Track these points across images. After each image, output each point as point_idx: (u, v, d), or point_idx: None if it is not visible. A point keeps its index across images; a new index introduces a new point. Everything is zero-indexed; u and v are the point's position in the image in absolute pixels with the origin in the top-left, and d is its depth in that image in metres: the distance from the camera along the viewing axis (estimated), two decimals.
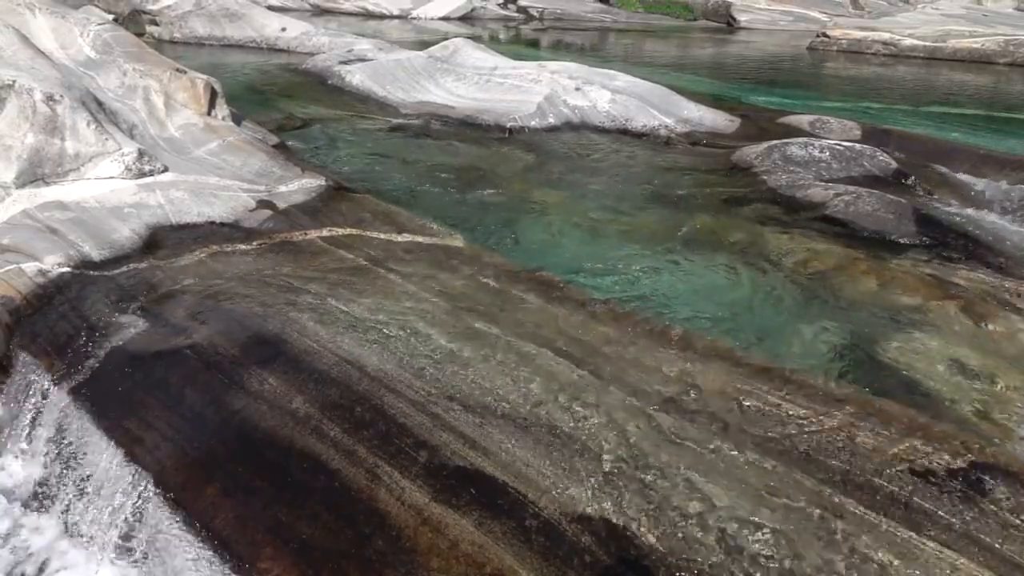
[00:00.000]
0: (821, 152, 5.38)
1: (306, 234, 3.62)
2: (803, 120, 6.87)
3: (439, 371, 2.52)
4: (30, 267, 3.11)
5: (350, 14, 17.15)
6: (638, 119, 6.68)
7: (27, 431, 2.61)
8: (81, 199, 3.67)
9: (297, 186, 4.25)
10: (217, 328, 2.73)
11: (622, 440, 2.23)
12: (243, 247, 3.43)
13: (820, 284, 3.66)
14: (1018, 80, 12.06)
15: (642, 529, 1.95)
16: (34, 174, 3.73)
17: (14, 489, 2.56)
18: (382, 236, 3.66)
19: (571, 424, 2.29)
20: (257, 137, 5.09)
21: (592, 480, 2.09)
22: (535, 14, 19.47)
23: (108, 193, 3.76)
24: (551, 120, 6.64)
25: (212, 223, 3.70)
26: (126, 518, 2.24)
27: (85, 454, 2.44)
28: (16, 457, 2.61)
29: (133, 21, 10.80)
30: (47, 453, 2.53)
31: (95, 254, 3.27)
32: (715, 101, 7.81)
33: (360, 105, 7.14)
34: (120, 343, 2.71)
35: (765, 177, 5.14)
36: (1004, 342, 3.15)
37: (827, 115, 7.00)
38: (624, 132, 6.58)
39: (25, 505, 2.51)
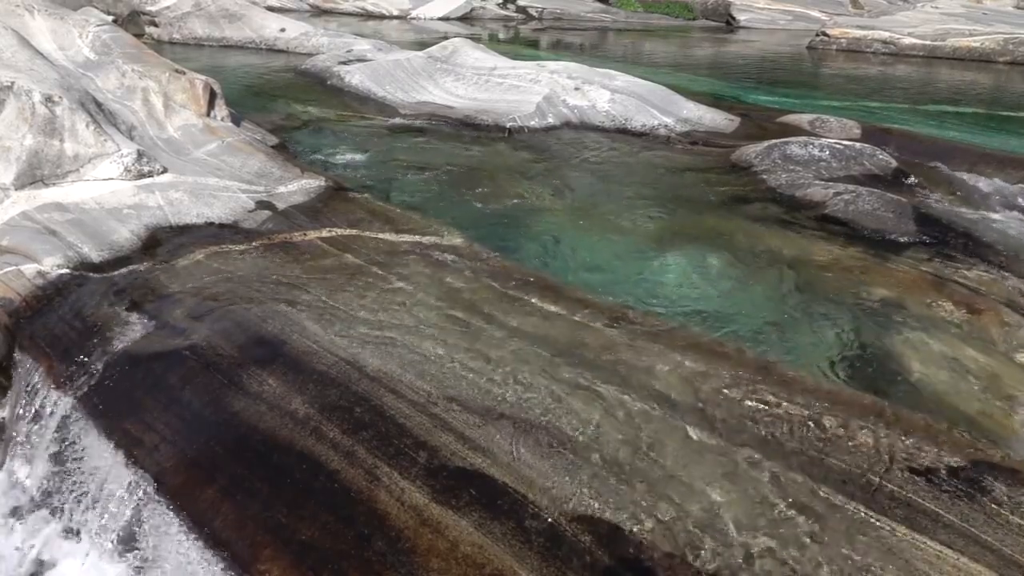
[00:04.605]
0: (821, 151, 5.37)
1: (305, 235, 3.61)
2: (803, 119, 6.86)
3: (439, 371, 2.52)
4: (29, 269, 3.11)
5: (349, 14, 17.14)
6: (637, 119, 6.68)
7: (28, 433, 2.61)
8: (80, 200, 3.67)
9: (296, 187, 4.25)
10: (216, 329, 2.73)
11: (623, 440, 2.23)
12: (242, 248, 3.43)
13: (820, 283, 3.65)
14: (1018, 79, 12.05)
15: (642, 529, 1.94)
16: (33, 175, 3.73)
17: (15, 491, 2.56)
18: (382, 236, 3.66)
19: (571, 424, 2.29)
20: (256, 138, 5.09)
21: (592, 480, 2.09)
22: (534, 14, 19.46)
23: (107, 194, 3.76)
24: (550, 120, 6.63)
25: (211, 224, 3.70)
26: (126, 520, 2.24)
27: (85, 456, 2.44)
28: (17, 459, 2.61)
29: (132, 22, 10.80)
30: (48, 455, 2.52)
31: (94, 255, 3.27)
32: (715, 100, 7.80)
33: (359, 105, 7.14)
34: (119, 344, 2.70)
35: (765, 176, 5.13)
36: (1005, 340, 3.15)
37: (827, 114, 6.99)
38: (623, 132, 6.58)
39: (26, 507, 2.51)
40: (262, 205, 3.94)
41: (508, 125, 6.47)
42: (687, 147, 6.24)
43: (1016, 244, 4.11)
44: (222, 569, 2.00)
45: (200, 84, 4.91)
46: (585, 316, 2.92)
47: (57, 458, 2.49)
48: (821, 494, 2.04)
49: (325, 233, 3.64)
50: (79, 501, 2.39)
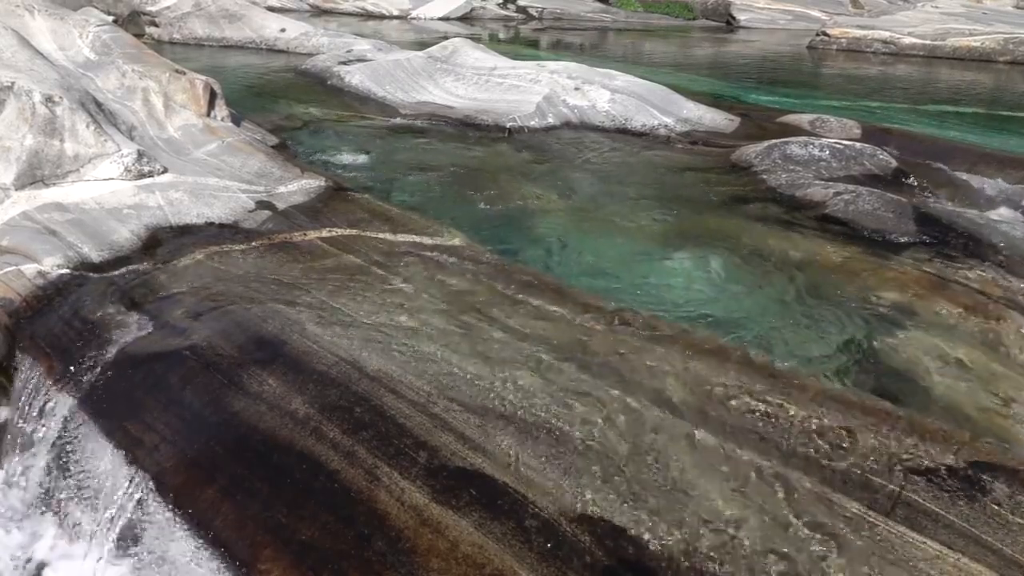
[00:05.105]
0: (821, 151, 5.37)
1: (305, 235, 3.61)
2: (803, 119, 6.86)
3: (439, 372, 2.52)
4: (29, 269, 3.11)
5: (349, 14, 17.14)
6: (637, 119, 6.68)
7: (29, 433, 2.61)
8: (80, 200, 3.67)
9: (296, 187, 4.25)
10: (216, 329, 2.73)
11: (622, 440, 2.23)
12: (242, 248, 3.43)
13: (820, 283, 3.65)
14: (1018, 78, 12.05)
15: (642, 529, 1.94)
16: (33, 176, 3.73)
17: (16, 491, 2.56)
18: (382, 236, 3.66)
19: (571, 424, 2.29)
20: (256, 138, 5.09)
21: (592, 480, 2.09)
22: (534, 14, 19.45)
23: (107, 194, 3.76)
24: (550, 120, 6.63)
25: (211, 224, 3.70)
26: (126, 520, 2.24)
27: (85, 456, 2.44)
28: (17, 459, 2.61)
29: (132, 22, 10.80)
30: (48, 455, 2.52)
31: (94, 255, 3.27)
32: (715, 100, 7.80)
33: (359, 105, 7.14)
34: (119, 344, 2.70)
35: (765, 176, 5.13)
36: (1005, 340, 3.15)
37: (827, 114, 6.98)
38: (623, 132, 6.58)
39: (27, 506, 2.51)
40: (262, 205, 3.94)
41: (508, 125, 6.47)
42: (687, 147, 6.24)
43: (1017, 245, 4.11)
44: (222, 569, 2.00)
45: (200, 84, 4.91)
46: (587, 318, 2.92)
47: (57, 458, 2.49)
48: (824, 496, 2.04)
49: (325, 233, 3.64)
50: (79, 501, 2.39)
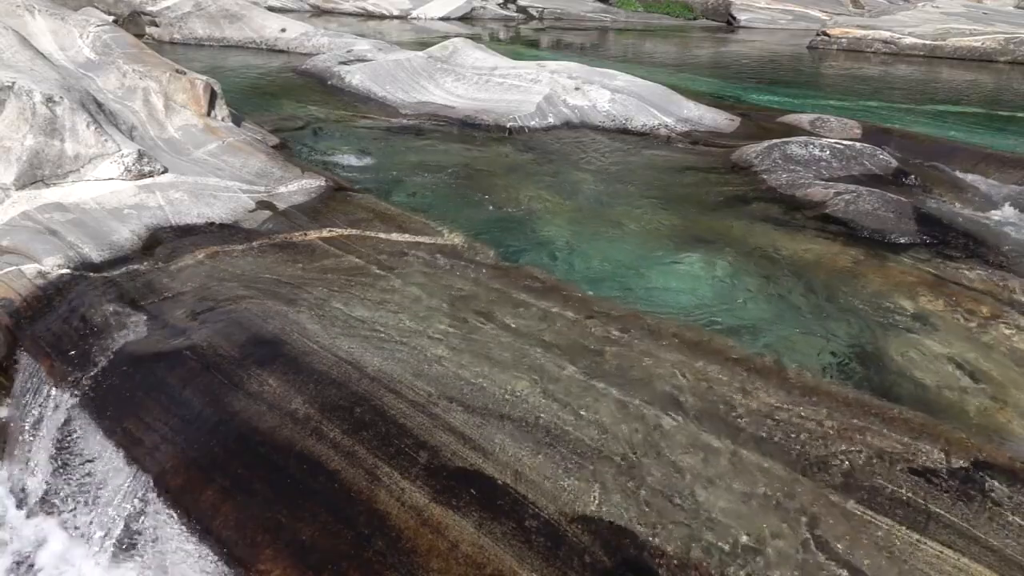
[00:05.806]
0: (821, 151, 5.37)
1: (306, 235, 3.61)
2: (803, 119, 6.87)
3: (439, 371, 2.52)
4: (30, 269, 3.11)
5: (349, 15, 17.15)
6: (638, 118, 6.68)
7: (30, 433, 2.61)
8: (80, 200, 3.67)
9: (297, 187, 4.25)
10: (216, 329, 2.72)
11: (622, 440, 2.23)
12: (243, 248, 3.43)
13: (820, 283, 3.65)
14: (1019, 78, 12.04)
15: (642, 530, 1.94)
16: (33, 176, 3.73)
17: (16, 491, 2.56)
18: (382, 236, 3.66)
19: (571, 424, 2.29)
20: (256, 138, 5.09)
21: (592, 480, 2.09)
22: (535, 14, 19.48)
23: (108, 194, 3.76)
24: (551, 120, 6.64)
25: (212, 224, 3.70)
26: (126, 520, 2.24)
27: (86, 456, 2.44)
28: (18, 459, 2.61)
29: (133, 22, 10.80)
30: (48, 455, 2.52)
31: (95, 255, 3.27)
32: (715, 100, 7.81)
33: (360, 105, 7.15)
34: (120, 344, 2.70)
35: (765, 176, 5.13)
36: (1005, 341, 3.15)
37: (827, 114, 6.99)
38: (624, 132, 6.58)
39: (27, 507, 2.51)
40: (262, 205, 3.94)
41: (508, 125, 6.47)
42: (688, 147, 6.24)
43: (1016, 244, 4.11)
44: (222, 569, 2.00)
45: (200, 84, 4.91)
46: (587, 318, 2.92)
47: (58, 458, 2.49)
48: (831, 500, 2.04)
49: (325, 233, 3.64)
50: (79, 502, 2.39)
